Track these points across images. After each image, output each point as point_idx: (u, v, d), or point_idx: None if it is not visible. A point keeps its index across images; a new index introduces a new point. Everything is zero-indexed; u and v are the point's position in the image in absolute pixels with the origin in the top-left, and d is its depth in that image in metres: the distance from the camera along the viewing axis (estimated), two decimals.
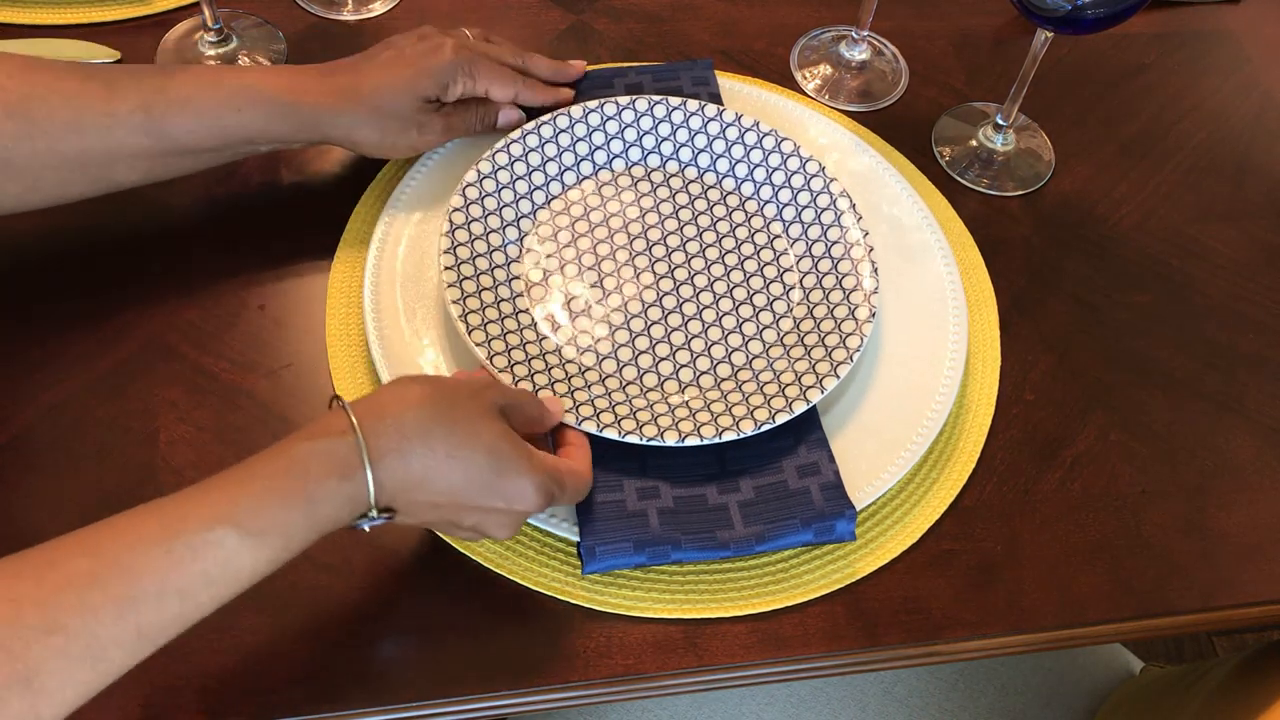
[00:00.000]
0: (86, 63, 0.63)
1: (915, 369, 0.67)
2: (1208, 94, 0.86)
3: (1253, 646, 0.75)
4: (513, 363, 0.62)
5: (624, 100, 0.73)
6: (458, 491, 0.51)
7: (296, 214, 0.71)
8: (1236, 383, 0.71)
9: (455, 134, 0.70)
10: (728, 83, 0.79)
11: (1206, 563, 0.63)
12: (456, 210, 0.67)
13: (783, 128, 0.76)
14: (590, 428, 0.60)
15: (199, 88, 0.61)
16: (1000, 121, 0.80)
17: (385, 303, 0.66)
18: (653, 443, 0.60)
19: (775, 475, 0.62)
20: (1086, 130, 0.83)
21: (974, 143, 0.80)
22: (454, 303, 0.63)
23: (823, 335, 0.65)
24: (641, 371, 0.64)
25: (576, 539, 0.59)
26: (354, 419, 0.49)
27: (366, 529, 0.50)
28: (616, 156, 0.73)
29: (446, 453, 0.50)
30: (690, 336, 0.66)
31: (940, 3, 0.89)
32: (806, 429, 0.63)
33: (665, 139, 0.74)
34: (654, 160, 0.74)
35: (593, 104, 0.73)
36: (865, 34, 0.84)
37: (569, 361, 0.64)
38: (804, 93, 0.82)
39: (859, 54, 0.84)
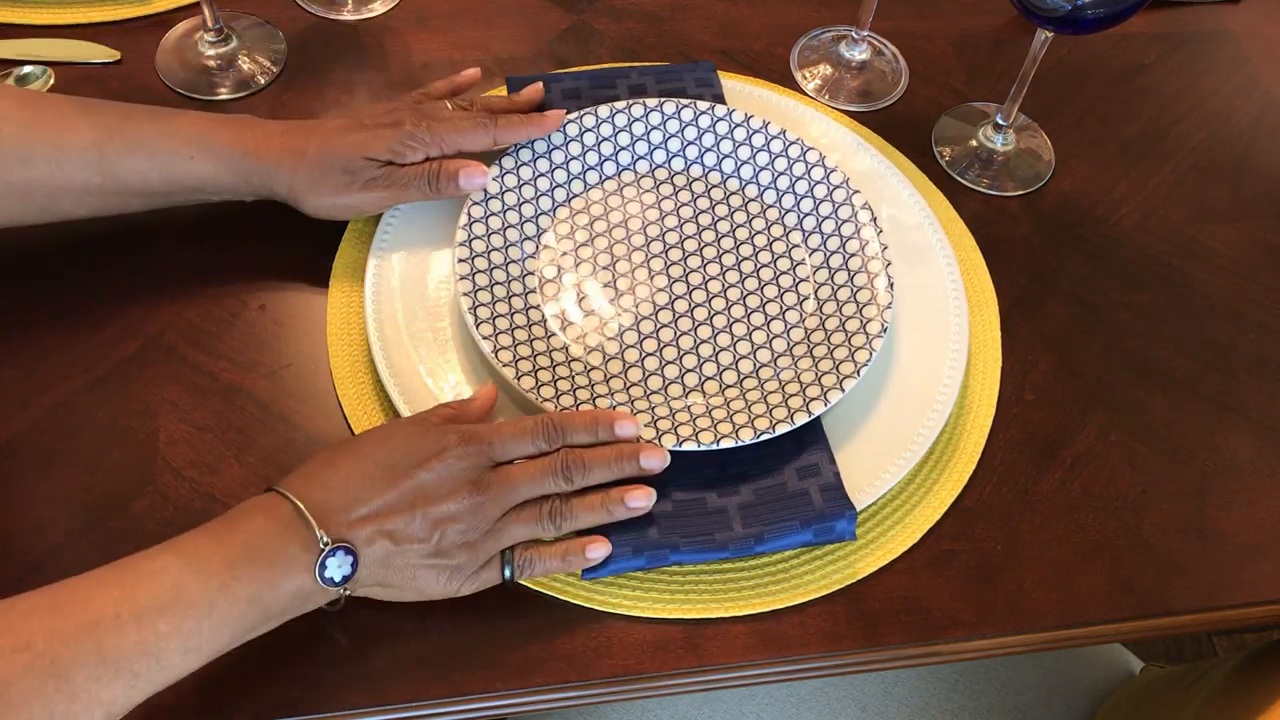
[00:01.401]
0: (43, 93, 0.64)
1: (916, 369, 0.67)
2: (1208, 94, 0.86)
3: (1253, 646, 0.75)
4: (518, 358, 0.62)
5: (652, 103, 0.73)
6: (375, 476, 0.52)
7: (297, 213, 0.71)
8: (1236, 383, 0.71)
9: (406, 194, 0.66)
10: (728, 83, 0.79)
11: (1206, 563, 0.63)
12: (475, 204, 0.67)
13: (782, 127, 0.76)
14: None
15: (154, 133, 0.62)
16: (1000, 121, 0.80)
17: (386, 302, 0.66)
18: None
19: (775, 477, 0.62)
20: (1086, 130, 0.83)
21: (974, 143, 0.80)
22: (464, 294, 0.63)
23: (831, 348, 0.65)
24: (646, 374, 0.64)
25: None
26: (273, 487, 0.52)
27: (338, 580, 0.51)
28: (640, 158, 0.73)
29: (352, 457, 0.53)
30: (699, 341, 0.66)
31: (940, 3, 0.89)
32: (807, 431, 0.63)
33: (691, 143, 0.73)
34: (678, 164, 0.73)
35: (620, 104, 0.73)
36: (865, 34, 0.84)
37: (574, 360, 0.64)
38: (804, 93, 0.82)
39: (859, 54, 0.84)
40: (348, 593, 0.52)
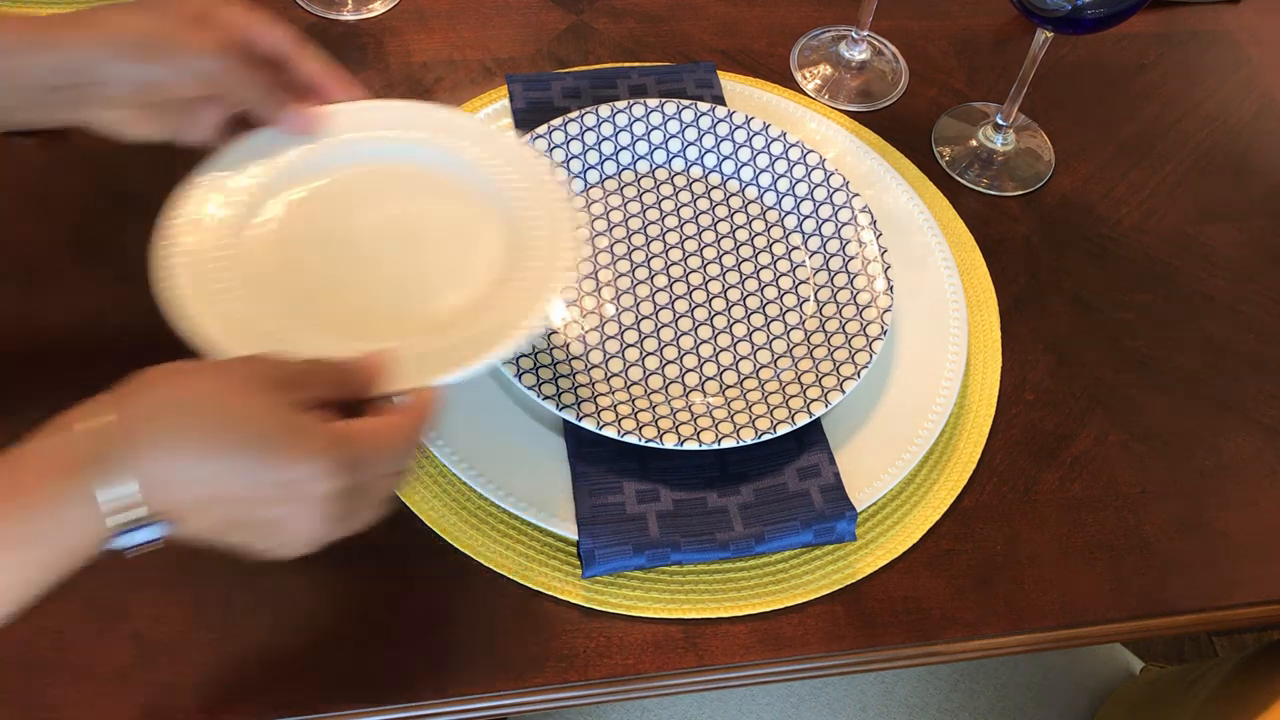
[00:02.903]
0: None
1: (916, 369, 0.67)
2: (1208, 94, 0.86)
3: (1253, 646, 0.75)
4: (518, 357, 0.62)
5: (652, 103, 0.73)
6: (226, 484, 0.43)
7: None
8: (1236, 383, 0.71)
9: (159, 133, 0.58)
10: (728, 83, 0.79)
11: (1206, 563, 0.63)
12: None
13: (783, 128, 0.76)
14: (590, 425, 0.60)
15: None
16: (1000, 121, 0.80)
17: None
18: (651, 444, 0.60)
19: (776, 478, 0.62)
20: (1086, 130, 0.83)
21: (974, 143, 0.80)
22: None
23: (832, 349, 0.65)
24: (647, 373, 0.64)
25: (576, 539, 0.59)
26: (96, 417, 0.44)
27: (129, 545, 0.43)
28: (640, 159, 0.73)
29: (200, 443, 0.43)
30: (699, 341, 0.66)
31: (940, 3, 0.89)
32: (807, 432, 0.63)
33: (691, 144, 0.74)
34: (678, 164, 0.74)
35: (620, 104, 0.73)
36: (865, 34, 0.84)
37: (575, 358, 0.64)
38: (804, 93, 0.82)
39: (859, 54, 0.84)
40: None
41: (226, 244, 0.56)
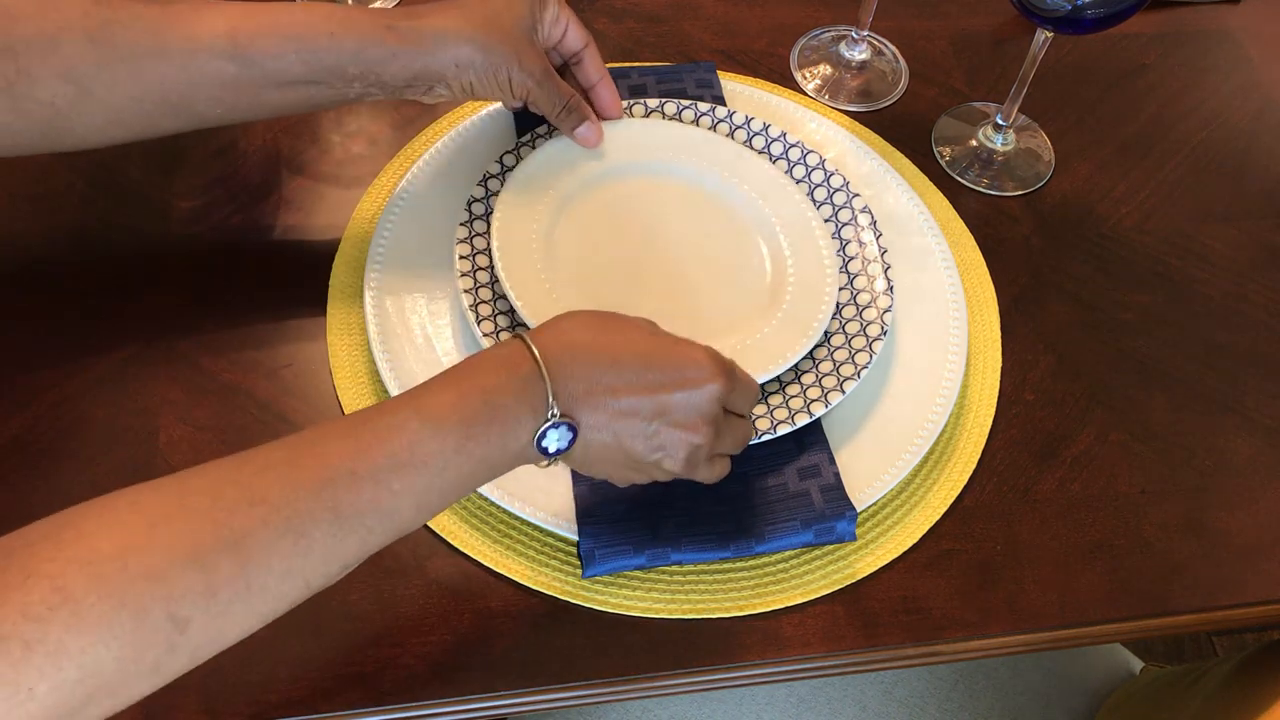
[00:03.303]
0: None
1: (916, 369, 0.67)
2: (1208, 94, 0.86)
3: (1253, 646, 0.75)
4: None
5: (652, 103, 0.74)
6: (629, 369, 0.51)
7: (298, 212, 0.71)
8: (1236, 383, 0.71)
9: (545, 94, 0.65)
10: (728, 83, 0.79)
11: (1206, 563, 0.63)
12: (475, 203, 0.67)
13: (783, 128, 0.76)
14: None
15: (289, 11, 0.58)
16: (1000, 121, 0.80)
17: (386, 301, 0.66)
18: None
19: (776, 478, 0.62)
20: (1086, 130, 0.83)
21: (974, 143, 0.80)
22: (465, 292, 0.63)
23: (832, 349, 0.65)
24: None
25: (576, 539, 0.59)
26: (521, 336, 0.51)
27: (551, 451, 0.50)
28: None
29: (610, 335, 0.52)
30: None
31: (940, 3, 0.89)
32: (807, 432, 0.63)
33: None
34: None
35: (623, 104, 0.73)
36: (865, 34, 0.84)
37: None
38: (804, 93, 0.82)
39: (859, 54, 0.84)
40: (564, 458, 0.51)
41: (536, 246, 0.66)
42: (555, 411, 0.49)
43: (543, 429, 0.49)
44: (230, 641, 0.44)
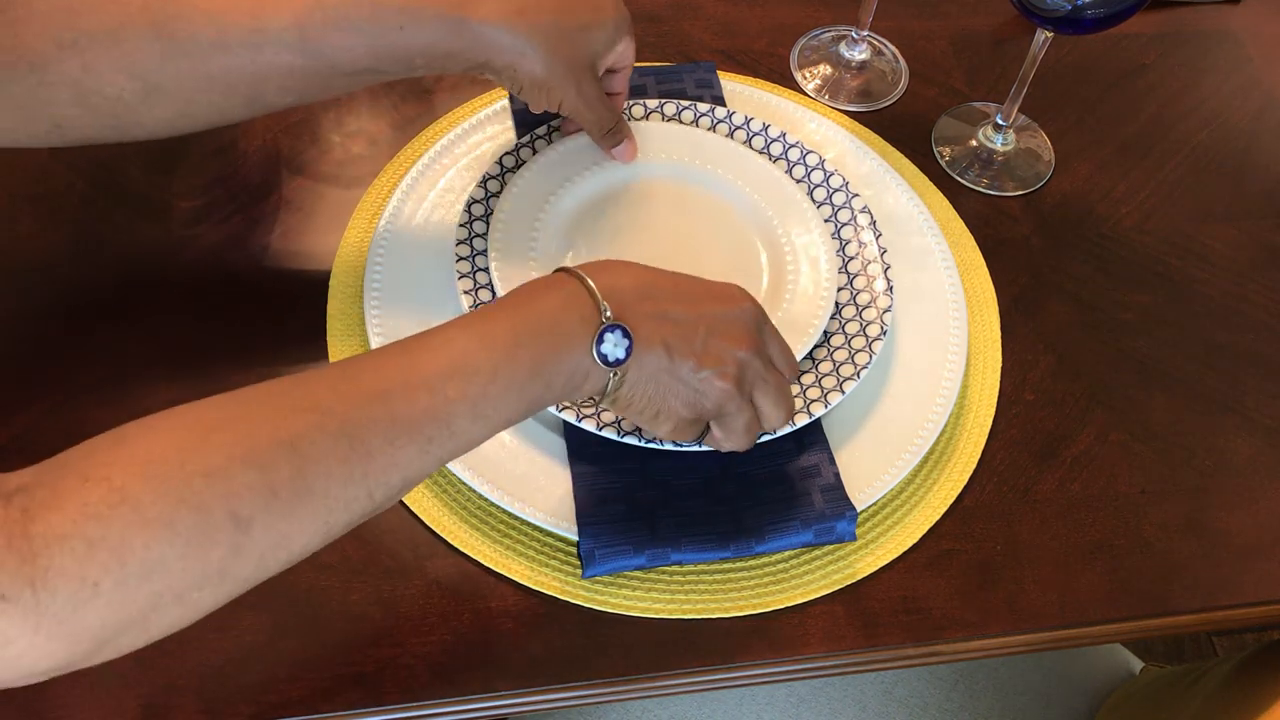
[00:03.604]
0: None
1: (916, 369, 0.67)
2: (1208, 94, 0.86)
3: (1253, 646, 0.75)
4: None
5: (652, 104, 0.74)
6: (672, 290, 0.53)
7: (298, 213, 0.71)
8: (1236, 383, 0.71)
9: (595, 117, 0.66)
10: (728, 83, 0.79)
11: (1206, 563, 0.63)
12: (475, 203, 0.67)
13: (783, 128, 0.76)
14: (590, 426, 0.60)
15: (357, 4, 0.57)
16: (1000, 121, 0.80)
17: (387, 302, 0.66)
18: (651, 445, 0.60)
19: (776, 478, 0.62)
20: (1086, 130, 0.83)
21: (974, 143, 0.80)
22: (465, 293, 0.63)
23: (831, 350, 0.65)
24: None
25: (576, 539, 0.59)
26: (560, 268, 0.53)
27: (611, 359, 0.50)
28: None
29: (647, 271, 0.54)
30: None
31: (940, 3, 0.89)
32: (807, 432, 0.63)
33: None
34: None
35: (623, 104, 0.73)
36: (865, 34, 0.84)
37: None
38: (804, 93, 0.82)
39: (859, 54, 0.84)
40: (616, 381, 0.51)
41: (535, 247, 0.67)
42: (609, 314, 0.50)
43: (600, 332, 0.50)
44: (297, 551, 0.44)
